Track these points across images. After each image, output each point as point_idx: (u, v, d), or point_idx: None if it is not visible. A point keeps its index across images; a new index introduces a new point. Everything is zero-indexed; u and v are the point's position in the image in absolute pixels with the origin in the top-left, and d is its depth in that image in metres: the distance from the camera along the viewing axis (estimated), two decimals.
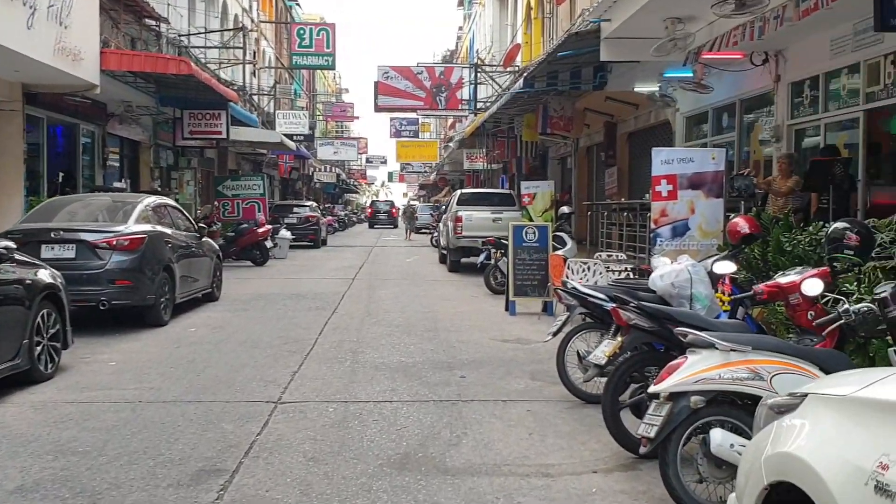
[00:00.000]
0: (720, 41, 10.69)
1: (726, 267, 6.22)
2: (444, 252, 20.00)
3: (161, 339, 9.37)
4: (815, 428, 2.35)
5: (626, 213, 14.19)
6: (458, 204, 18.69)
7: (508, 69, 25.79)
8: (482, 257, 15.54)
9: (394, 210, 54.95)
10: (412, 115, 40.95)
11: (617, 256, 12.27)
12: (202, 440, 5.46)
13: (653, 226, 8.18)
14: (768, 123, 12.51)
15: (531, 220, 17.33)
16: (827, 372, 4.19)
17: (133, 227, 10.27)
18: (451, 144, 42.48)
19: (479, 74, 26.14)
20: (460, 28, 55.56)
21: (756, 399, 4.11)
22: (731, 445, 3.91)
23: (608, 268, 10.46)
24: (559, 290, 6.67)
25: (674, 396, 4.13)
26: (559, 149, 26.78)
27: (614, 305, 5.23)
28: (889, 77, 9.42)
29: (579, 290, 6.53)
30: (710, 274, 6.62)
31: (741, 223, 6.69)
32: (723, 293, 6.73)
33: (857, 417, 2.19)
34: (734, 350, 4.11)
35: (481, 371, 7.69)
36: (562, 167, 27.86)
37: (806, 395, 2.55)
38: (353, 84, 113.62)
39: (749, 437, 4.07)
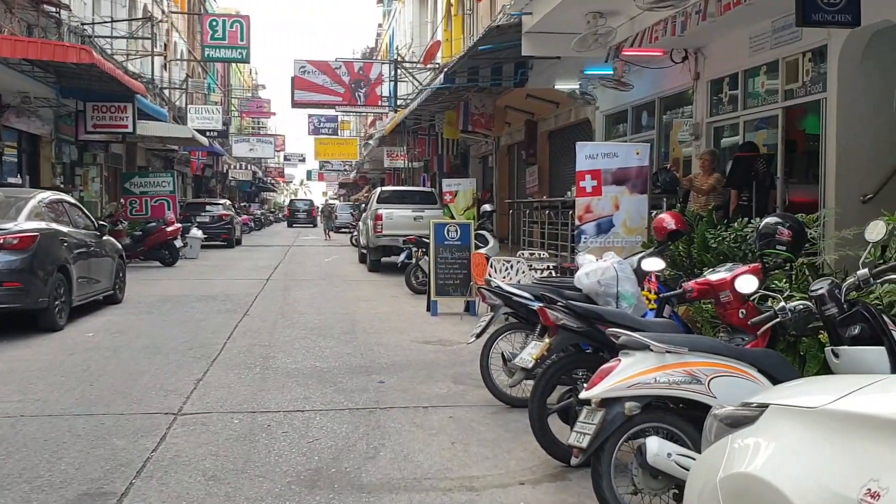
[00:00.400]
0: (642, 37, 10.58)
1: (655, 264, 5.99)
2: (364, 251, 19.53)
3: (54, 346, 8.64)
4: (779, 445, 2.04)
5: (547, 212, 14.03)
6: (378, 202, 18.23)
7: (428, 66, 25.46)
8: (403, 256, 15.17)
9: (314, 209, 54.72)
10: (331, 111, 40.19)
11: (539, 255, 12.07)
12: (89, 459, 4.89)
13: (577, 222, 7.92)
14: (687, 121, 12.52)
15: (453, 218, 17.05)
16: (766, 373, 3.97)
17: (24, 224, 9.49)
18: (370, 142, 41.92)
19: (398, 71, 25.72)
20: (380, 25, 54.97)
21: (694, 404, 3.85)
22: (669, 455, 3.63)
23: (531, 266, 10.21)
24: (483, 290, 6.34)
25: (606, 402, 3.83)
26: (480, 147, 26.61)
27: (541, 305, 4.92)
28: (807, 74, 9.46)
29: (504, 290, 6.21)
30: (637, 271, 6.42)
31: (667, 219, 6.50)
32: (649, 291, 6.53)
33: (834, 434, 1.89)
34: (670, 352, 3.84)
35: (401, 375, 7.29)
36: (483, 166, 27.71)
37: (765, 405, 2.25)
38: (270, 81, 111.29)
39: (686, 445, 3.81)
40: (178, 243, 20.13)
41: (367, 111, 33.27)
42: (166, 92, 30.93)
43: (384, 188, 21.21)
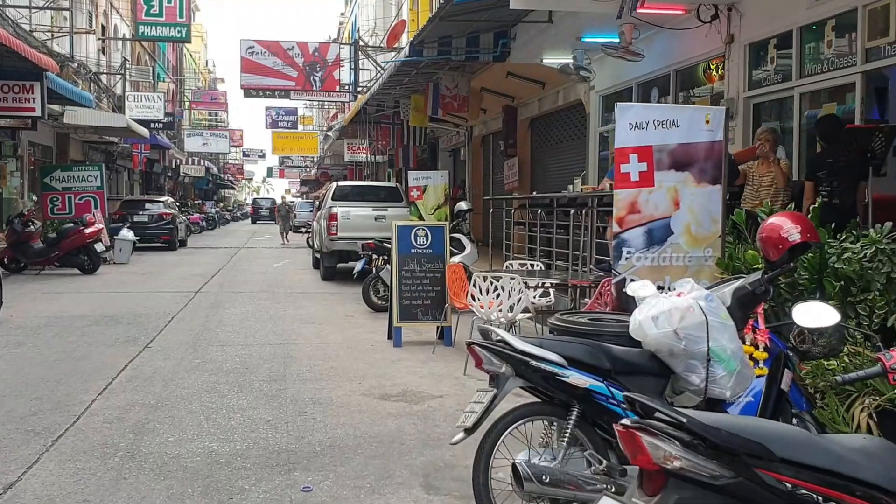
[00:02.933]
0: None
1: (819, 314, 3.31)
2: (318, 256, 16.76)
3: None
4: None
5: (539, 211, 11.41)
6: (333, 199, 15.43)
7: (393, 48, 22.74)
8: (360, 265, 12.45)
9: (275, 207, 54.18)
10: (289, 103, 37.25)
11: (530, 266, 9.48)
12: None
13: (617, 227, 5.24)
14: (716, 98, 10.02)
15: (421, 218, 14.39)
16: None
17: None
18: (330, 134, 39.02)
19: (359, 54, 22.96)
20: (342, 14, 52.04)
21: None
22: None
23: (526, 284, 7.58)
24: (478, 348, 3.67)
25: None
26: (451, 139, 24.02)
27: (630, 424, 2.24)
28: None
29: (515, 348, 3.57)
30: (731, 310, 3.81)
31: (788, 226, 3.84)
32: (754, 346, 3.94)
33: None
34: None
35: (341, 470, 4.61)
36: (454, 159, 25.13)
37: None
38: (228, 74, 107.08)
39: None
40: (100, 247, 17.19)
41: (323, 100, 30.36)
42: (104, 78, 27.82)
43: (341, 183, 18.39)
